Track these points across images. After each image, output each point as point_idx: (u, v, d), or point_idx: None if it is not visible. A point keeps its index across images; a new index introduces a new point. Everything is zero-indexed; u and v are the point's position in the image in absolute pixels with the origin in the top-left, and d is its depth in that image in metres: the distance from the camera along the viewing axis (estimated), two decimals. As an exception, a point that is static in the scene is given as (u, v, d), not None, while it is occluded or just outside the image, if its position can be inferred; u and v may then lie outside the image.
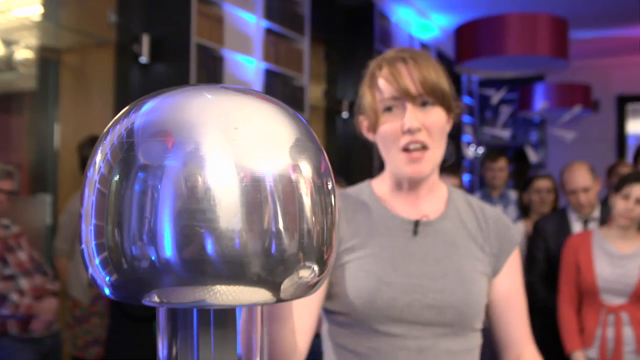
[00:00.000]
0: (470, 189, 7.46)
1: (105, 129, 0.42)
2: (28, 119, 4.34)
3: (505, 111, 6.18)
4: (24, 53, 3.91)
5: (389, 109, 1.23)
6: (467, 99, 8.64)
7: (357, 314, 1.21)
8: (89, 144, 3.41)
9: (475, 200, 1.36)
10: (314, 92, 5.43)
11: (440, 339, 1.21)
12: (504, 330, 1.31)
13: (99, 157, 0.39)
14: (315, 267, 0.40)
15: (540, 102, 7.19)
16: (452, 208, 1.31)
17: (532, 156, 6.06)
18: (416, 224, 1.26)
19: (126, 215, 0.37)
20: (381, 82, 1.23)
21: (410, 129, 1.19)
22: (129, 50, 3.70)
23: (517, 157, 8.39)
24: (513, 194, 4.41)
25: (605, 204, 3.43)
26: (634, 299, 2.61)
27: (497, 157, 4.46)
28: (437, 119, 1.22)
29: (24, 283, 2.95)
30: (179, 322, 0.40)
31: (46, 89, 4.18)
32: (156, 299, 0.37)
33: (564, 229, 3.25)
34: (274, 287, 0.38)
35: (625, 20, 6.49)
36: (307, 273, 0.40)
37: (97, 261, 0.38)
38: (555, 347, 2.86)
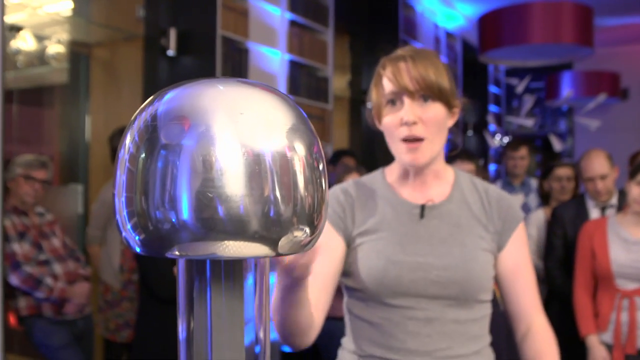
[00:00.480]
0: (495, 178, 7.47)
1: (133, 116, 0.51)
2: (60, 112, 4.49)
3: (529, 100, 6.18)
4: (55, 48, 4.04)
5: (392, 102, 1.36)
6: (493, 88, 8.63)
7: (370, 289, 1.36)
8: (120, 135, 3.53)
9: (480, 182, 1.48)
10: (339, 83, 5.49)
11: (447, 310, 1.34)
12: (514, 302, 1.43)
13: (128, 140, 0.48)
14: (307, 229, 0.49)
15: (567, 91, 7.15)
16: (457, 191, 1.43)
17: (557, 145, 6.05)
18: (422, 208, 1.39)
19: (151, 186, 0.45)
20: (384, 80, 1.37)
21: (407, 122, 1.32)
22: (157, 43, 3.81)
23: (545, 147, 8.36)
24: (534, 182, 4.43)
25: (623, 192, 3.45)
26: (648, 284, 2.65)
27: (519, 146, 4.49)
28: (434, 114, 1.34)
29: (57, 268, 3.09)
30: (194, 273, 0.49)
31: (77, 83, 4.31)
32: (177, 252, 0.46)
33: (582, 215, 3.29)
34: (273, 243, 0.47)
35: (652, 8, 6.42)
36: (300, 233, 0.48)
37: (128, 226, 0.47)
38: (573, 331, 2.91)
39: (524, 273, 1.42)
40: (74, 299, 3.09)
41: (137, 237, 0.47)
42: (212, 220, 0.45)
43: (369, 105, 1.46)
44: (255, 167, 0.45)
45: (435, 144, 1.36)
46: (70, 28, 4.06)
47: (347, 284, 1.43)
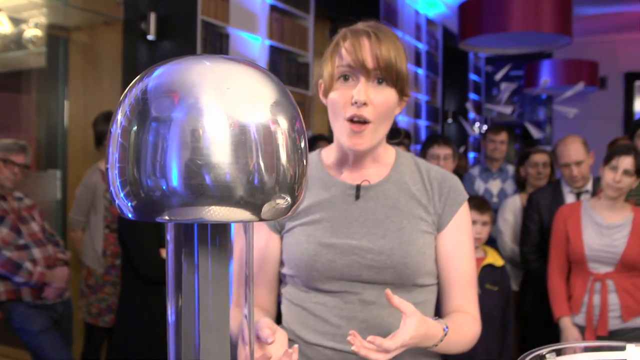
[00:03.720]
0: (474, 165, 7.55)
1: (124, 93, 0.53)
2: (38, 97, 4.45)
3: (509, 87, 6.24)
4: (33, 31, 3.99)
5: (345, 77, 1.27)
6: (473, 76, 8.69)
7: (302, 275, 1.31)
8: (103, 120, 3.52)
9: (423, 162, 1.42)
10: (319, 69, 5.50)
11: (383, 294, 1.25)
12: (444, 289, 1.37)
13: (119, 115, 0.51)
14: (288, 198, 0.52)
15: (544, 79, 7.23)
16: (396, 172, 1.37)
17: (535, 133, 6.13)
18: (358, 188, 1.33)
19: (143, 156, 0.48)
20: (343, 51, 1.27)
21: (357, 101, 1.23)
22: (137, 27, 3.80)
23: (523, 135, 8.46)
24: (511, 169, 4.50)
25: (599, 178, 3.52)
26: (620, 268, 2.72)
27: (500, 130, 4.54)
28: (386, 98, 1.26)
29: (36, 252, 3.09)
30: (182, 237, 0.52)
31: (56, 67, 4.28)
32: (166, 217, 0.49)
33: (558, 201, 3.35)
34: (256, 209, 0.50)
35: (630, -3, 6.51)
36: (282, 201, 0.51)
37: (121, 194, 0.50)
38: (547, 314, 2.98)
39: (460, 261, 1.35)
40: (53, 284, 3.09)
41: (129, 204, 0.50)
42: (200, 187, 0.48)
43: (318, 76, 1.37)
44: (241, 138, 0.48)
45: (379, 130, 1.28)
46: (48, 11, 4.02)
47: (282, 271, 1.38)
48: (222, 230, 0.52)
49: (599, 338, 2.75)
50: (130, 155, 0.49)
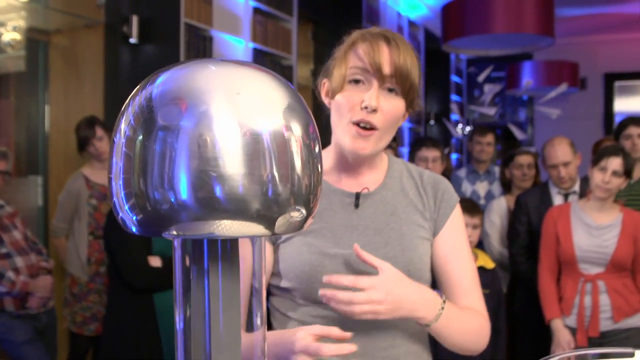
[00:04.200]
0: (457, 167, 7.56)
1: (126, 102, 0.50)
2: (17, 101, 4.37)
3: (493, 89, 6.26)
4: (11, 35, 3.93)
5: (356, 81, 1.23)
6: (455, 78, 8.71)
7: (301, 287, 1.24)
8: (86, 125, 3.46)
9: (414, 167, 1.40)
10: (302, 72, 5.48)
11: None
12: (448, 292, 1.32)
13: (123, 124, 0.48)
14: (303, 210, 0.49)
15: (526, 81, 7.26)
16: (391, 177, 1.35)
17: (518, 134, 6.16)
18: (357, 196, 1.30)
19: (149, 168, 0.45)
20: (360, 52, 1.23)
21: (368, 106, 1.19)
22: (119, 31, 3.74)
23: (506, 136, 8.49)
24: (498, 170, 4.50)
25: (586, 179, 3.53)
26: (610, 268, 2.73)
27: (486, 132, 4.55)
28: (395, 107, 1.23)
29: (19, 261, 3.02)
30: (191, 254, 0.49)
31: (35, 71, 4.20)
32: (174, 232, 0.46)
33: (545, 202, 3.35)
34: (270, 223, 0.47)
35: (610, -2, 6.56)
36: (297, 214, 0.48)
37: (126, 207, 0.47)
38: (537, 316, 2.98)
39: (458, 261, 1.32)
40: (36, 293, 3.03)
41: (134, 218, 0.47)
42: (211, 200, 0.45)
43: (323, 75, 1.32)
44: (254, 147, 0.45)
45: (384, 139, 1.25)
46: (27, 14, 3.95)
47: (275, 284, 1.31)
48: (232, 245, 0.49)
49: (590, 340, 2.76)
50: (135, 165, 0.46)
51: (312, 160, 0.49)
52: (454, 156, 8.19)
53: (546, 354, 2.90)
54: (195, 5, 3.83)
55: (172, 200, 0.45)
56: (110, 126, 3.55)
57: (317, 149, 0.50)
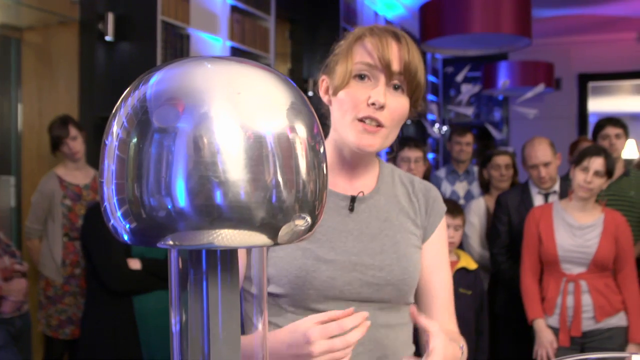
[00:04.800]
0: (434, 168, 7.58)
1: (118, 103, 0.47)
2: (-11, 100, 4.27)
3: (471, 89, 6.29)
4: (-18, 31, 3.84)
5: (361, 77, 1.19)
6: (431, 77, 8.74)
7: (295, 293, 1.19)
8: (60, 124, 3.39)
9: (404, 173, 1.36)
10: (280, 71, 5.44)
11: (379, 314, 1.21)
12: (427, 302, 1.30)
13: (115, 127, 0.45)
14: (308, 218, 0.46)
15: (502, 81, 7.30)
16: (384, 182, 1.31)
17: (496, 134, 6.19)
18: (353, 199, 1.25)
19: (144, 172, 0.42)
20: (368, 46, 1.19)
21: (376, 102, 1.15)
22: (94, 28, 3.68)
23: (481, 136, 8.54)
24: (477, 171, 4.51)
25: (565, 179, 3.55)
26: (593, 268, 2.74)
27: (466, 132, 4.56)
28: (401, 106, 1.19)
29: (-8, 264, 2.95)
30: (189, 265, 0.45)
31: (8, 69, 4.12)
32: (170, 242, 0.42)
33: (526, 202, 3.36)
34: (273, 232, 0.44)
35: (585, -1, 6.62)
36: (301, 222, 0.45)
37: (118, 214, 0.44)
38: (519, 316, 2.98)
39: (440, 272, 1.30)
40: (10, 297, 2.95)
41: (127, 226, 0.43)
42: (210, 208, 0.41)
43: (323, 71, 1.26)
44: (258, 150, 0.42)
45: (389, 137, 1.21)
46: (-1, 10, 3.86)
47: (248, 289, 1.25)
48: (232, 255, 0.46)
49: (573, 339, 2.76)
50: (129, 170, 0.42)
51: (317, 163, 0.46)
52: (430, 156, 8.21)
53: (528, 354, 2.91)
54: (172, 3, 3.78)
55: (169, 207, 0.41)
56: (84, 126, 3.49)
57: (322, 150, 0.47)
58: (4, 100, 4.14)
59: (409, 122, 1.29)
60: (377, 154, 1.35)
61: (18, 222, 4.04)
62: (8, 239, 3.20)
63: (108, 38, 3.71)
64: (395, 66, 1.17)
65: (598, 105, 8.71)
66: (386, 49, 1.17)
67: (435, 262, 1.30)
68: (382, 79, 1.18)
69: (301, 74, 5.55)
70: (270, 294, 1.23)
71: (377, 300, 1.21)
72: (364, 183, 1.29)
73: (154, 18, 3.63)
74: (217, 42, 4.24)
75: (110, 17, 3.70)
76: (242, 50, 4.47)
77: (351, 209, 1.25)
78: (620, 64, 7.91)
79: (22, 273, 3.08)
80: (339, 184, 1.28)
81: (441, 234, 1.33)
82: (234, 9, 4.38)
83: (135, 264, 2.58)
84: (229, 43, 4.30)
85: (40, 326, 3.48)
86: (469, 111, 6.36)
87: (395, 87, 1.19)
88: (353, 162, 1.26)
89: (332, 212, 1.24)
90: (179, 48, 3.86)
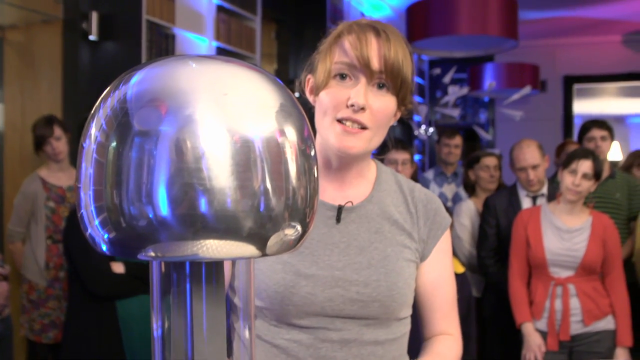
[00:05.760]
0: (420, 169, 7.58)
1: (97, 103, 0.44)
2: (-29, 99, 4.21)
3: (455, 91, 6.29)
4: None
5: (342, 76, 1.12)
6: (417, 79, 8.75)
7: (275, 308, 1.13)
8: (44, 124, 3.33)
9: (405, 181, 1.28)
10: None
11: (365, 330, 1.15)
12: (428, 316, 1.26)
13: (94, 129, 0.42)
14: (299, 227, 0.43)
15: (489, 82, 7.32)
16: (379, 191, 1.23)
17: (484, 135, 6.20)
18: (339, 210, 1.18)
19: (124, 178, 0.39)
20: (346, 45, 1.12)
21: (355, 104, 1.08)
22: (78, 27, 3.63)
23: (468, 137, 8.56)
24: (463, 172, 4.50)
25: (553, 181, 3.54)
26: (580, 272, 2.73)
27: (454, 134, 4.55)
28: (385, 106, 1.13)
29: (-27, 267, 2.89)
30: (172, 277, 0.42)
31: (-11, 68, 4.06)
32: (152, 253, 0.39)
33: (514, 205, 3.35)
34: (262, 243, 0.41)
35: (572, 1, 6.65)
36: (291, 231, 0.43)
37: (96, 222, 0.41)
38: (507, 320, 2.97)
39: (444, 287, 1.25)
40: (-9, 300, 2.90)
41: (105, 235, 0.40)
42: (194, 217, 0.39)
43: (307, 70, 1.21)
44: (245, 155, 0.40)
45: (374, 139, 1.14)
46: (-19, 9, 3.80)
47: (234, 301, 1.19)
48: (217, 267, 0.43)
49: (561, 343, 2.75)
50: (108, 175, 0.39)
51: (308, 168, 0.43)
52: (416, 157, 8.21)
53: (516, 358, 2.90)
54: (157, 3, 3.74)
55: (150, 216, 0.39)
56: (68, 127, 3.44)
57: (313, 154, 0.45)
58: (-14, 100, 4.08)
59: (395, 123, 1.24)
60: (376, 160, 1.29)
61: (0, 224, 3.97)
62: (-11, 242, 3.15)
63: (92, 37, 3.67)
64: (376, 64, 1.10)
65: (583, 107, 8.76)
66: (365, 47, 1.10)
67: (439, 277, 1.24)
68: (362, 78, 1.11)
69: (287, 75, 5.52)
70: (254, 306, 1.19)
71: (362, 317, 1.15)
72: (357, 191, 1.22)
73: (138, 17, 3.58)
74: (203, 42, 4.21)
75: (95, 16, 3.66)
76: (228, 51, 4.43)
77: (338, 220, 1.18)
78: (606, 67, 7.96)
79: (4, 276, 3.02)
80: (328, 192, 1.20)
81: (444, 247, 1.25)
82: (219, 8, 4.35)
83: (118, 267, 2.53)
84: (214, 43, 4.27)
85: (23, 330, 3.42)
86: (455, 113, 6.36)
87: (380, 86, 1.12)
88: (341, 166, 1.19)
89: (318, 223, 1.18)
90: (164, 48, 3.82)
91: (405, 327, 1.23)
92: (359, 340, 1.14)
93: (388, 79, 1.11)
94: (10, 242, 3.53)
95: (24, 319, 3.42)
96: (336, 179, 1.20)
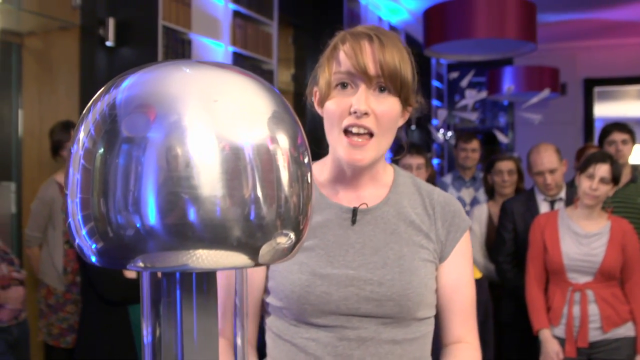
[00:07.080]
0: (439, 173, 7.54)
1: (87, 107, 0.43)
2: (-11, 106, 4.26)
3: (472, 95, 6.25)
4: (-16, 37, 3.83)
5: (343, 85, 1.16)
6: (435, 83, 8.70)
7: (292, 307, 1.18)
8: (61, 129, 3.37)
9: (424, 184, 1.31)
10: (283, 77, 5.41)
11: (382, 329, 1.18)
12: (446, 319, 1.27)
13: (82, 134, 0.41)
14: (292, 235, 0.42)
15: (507, 86, 7.27)
16: (396, 194, 1.26)
17: (502, 138, 6.15)
18: (354, 212, 1.21)
19: (111, 186, 0.38)
20: (341, 55, 1.16)
21: (357, 110, 1.12)
22: (95, 33, 3.65)
23: (487, 141, 8.50)
24: (483, 177, 4.46)
25: (571, 185, 3.49)
26: (599, 277, 2.68)
27: (471, 138, 4.51)
28: (389, 108, 1.15)
29: (-10, 272, 2.91)
30: (162, 287, 0.42)
31: (8, 74, 4.10)
32: (140, 264, 0.38)
33: (532, 209, 3.31)
34: (253, 252, 0.40)
35: (591, 4, 6.58)
36: (284, 240, 0.41)
37: (83, 232, 0.40)
38: (525, 326, 2.93)
39: (464, 290, 1.26)
40: (8, 305, 2.92)
41: (93, 245, 0.39)
42: (183, 226, 0.38)
43: (312, 83, 1.25)
44: (234, 163, 0.39)
45: (383, 143, 1.17)
46: (0, 16, 3.84)
47: (267, 301, 1.24)
48: (209, 278, 0.42)
49: (579, 350, 2.71)
50: (95, 183, 0.38)
51: (301, 176, 0.42)
52: (435, 161, 8.17)
53: (533, 365, 2.86)
54: (174, 8, 3.76)
55: (138, 225, 0.38)
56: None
57: (306, 161, 0.44)
58: (5, 106, 4.12)
59: (413, 127, 1.26)
60: (393, 164, 1.32)
61: (18, 228, 4.01)
62: (6, 247, 3.17)
63: (109, 43, 3.69)
64: (372, 70, 1.13)
65: (604, 110, 8.66)
66: (360, 54, 1.13)
67: (458, 280, 1.25)
68: (361, 85, 1.14)
69: (304, 80, 5.52)
70: (276, 307, 1.22)
71: (378, 316, 1.17)
72: (372, 193, 1.25)
73: (155, 23, 3.60)
74: (219, 47, 4.22)
75: (111, 22, 3.68)
76: (245, 56, 4.44)
77: (353, 222, 1.21)
78: (627, 69, 7.87)
79: (20, 281, 3.05)
80: (342, 196, 1.24)
81: (463, 249, 1.27)
82: (236, 14, 4.35)
83: (131, 272, 2.54)
84: (231, 48, 4.27)
85: (41, 335, 3.44)
86: (474, 116, 6.32)
87: (381, 89, 1.15)
88: (354, 174, 1.22)
89: (333, 225, 1.21)
90: (180, 53, 3.83)
91: (427, 327, 1.23)
92: (376, 338, 1.17)
93: (387, 81, 1.14)
94: (27, 248, 3.56)
95: (42, 323, 3.44)
96: (351, 184, 1.24)
